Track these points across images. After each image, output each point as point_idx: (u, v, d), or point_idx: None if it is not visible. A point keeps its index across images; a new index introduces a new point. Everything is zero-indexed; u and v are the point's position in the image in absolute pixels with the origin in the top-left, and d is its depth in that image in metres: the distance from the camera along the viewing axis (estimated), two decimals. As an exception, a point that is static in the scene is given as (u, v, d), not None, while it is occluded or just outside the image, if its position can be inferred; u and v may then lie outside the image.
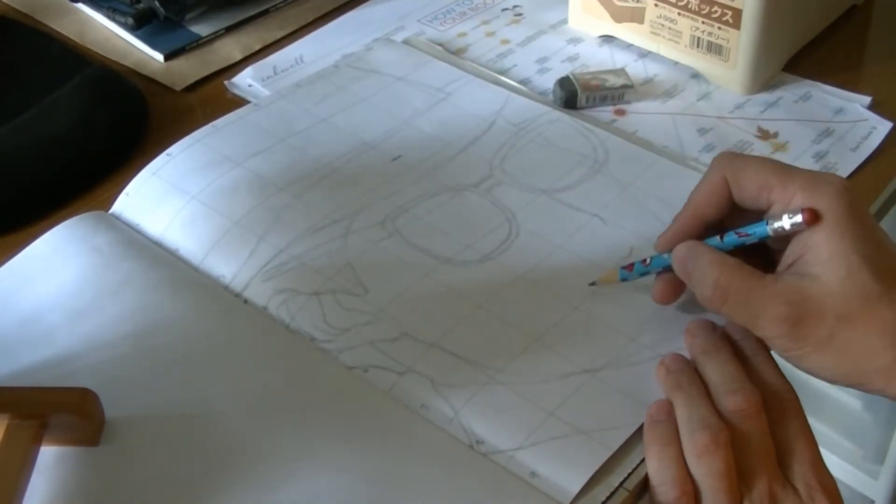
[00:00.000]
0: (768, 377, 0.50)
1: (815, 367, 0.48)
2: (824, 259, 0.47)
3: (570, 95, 0.68)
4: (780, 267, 0.50)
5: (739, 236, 0.50)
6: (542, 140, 0.65)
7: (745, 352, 0.51)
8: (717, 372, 0.49)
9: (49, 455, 0.48)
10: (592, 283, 0.55)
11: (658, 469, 0.47)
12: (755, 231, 0.50)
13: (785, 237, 0.49)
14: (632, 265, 0.54)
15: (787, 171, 0.50)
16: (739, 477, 0.46)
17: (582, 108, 0.68)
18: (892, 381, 0.47)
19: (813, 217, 0.47)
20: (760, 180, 0.50)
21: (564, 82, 0.68)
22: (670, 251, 0.52)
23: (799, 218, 0.48)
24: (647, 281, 0.55)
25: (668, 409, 0.48)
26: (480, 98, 0.68)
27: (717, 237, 0.51)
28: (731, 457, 0.46)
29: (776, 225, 0.49)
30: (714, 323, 0.52)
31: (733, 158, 0.52)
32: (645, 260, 0.54)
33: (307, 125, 0.66)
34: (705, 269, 0.50)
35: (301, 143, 0.65)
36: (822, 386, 1.22)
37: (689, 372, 0.50)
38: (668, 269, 0.53)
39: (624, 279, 0.55)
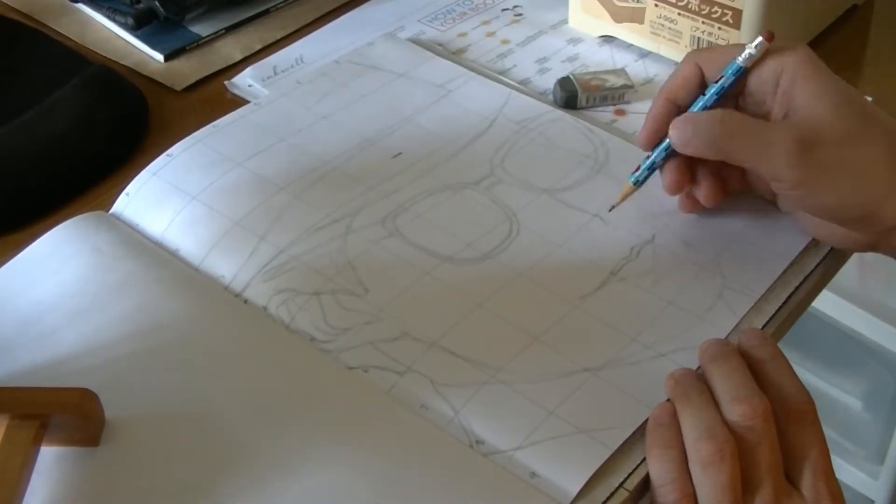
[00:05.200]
0: (784, 383, 0.49)
1: (828, 197, 0.52)
2: (813, 102, 0.52)
3: (570, 96, 0.68)
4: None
5: (717, 81, 0.55)
6: (543, 139, 0.65)
7: (761, 356, 0.50)
8: (724, 380, 0.48)
9: (49, 455, 0.48)
10: (611, 209, 0.59)
11: (659, 471, 0.47)
12: (728, 71, 0.55)
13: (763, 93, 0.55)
14: (637, 167, 0.58)
15: None
16: (744, 486, 0.46)
17: (582, 108, 0.68)
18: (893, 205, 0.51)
19: (770, 35, 0.53)
20: (730, 56, 0.55)
21: (564, 82, 0.68)
22: (656, 144, 0.57)
23: (759, 38, 0.53)
24: (645, 278, 0.55)
25: (672, 413, 0.48)
26: (481, 95, 0.68)
27: (700, 96, 0.56)
28: (737, 468, 0.45)
29: (744, 54, 0.54)
30: (726, 340, 0.52)
31: (703, 48, 0.58)
32: (648, 155, 0.57)
33: (308, 123, 0.66)
34: (709, 119, 0.54)
35: (301, 141, 0.65)
36: (823, 386, 1.22)
37: (698, 384, 0.49)
38: (669, 156, 0.57)
39: (637, 182, 0.58)
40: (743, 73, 0.55)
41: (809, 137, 0.51)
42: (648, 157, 0.57)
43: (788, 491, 0.46)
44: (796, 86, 0.53)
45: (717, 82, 0.55)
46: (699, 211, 0.59)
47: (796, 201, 0.54)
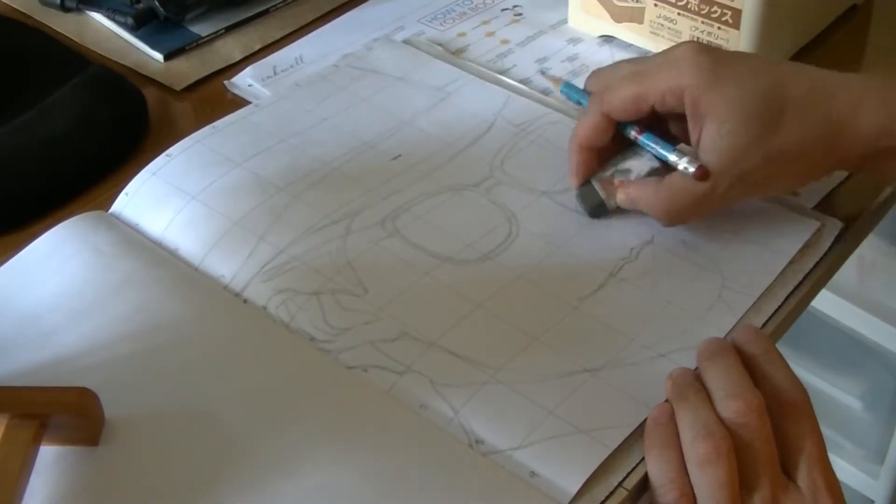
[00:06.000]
0: (778, 377, 0.49)
1: (788, 187, 0.60)
2: (719, 119, 0.53)
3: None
4: (693, 144, 0.55)
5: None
6: (543, 141, 0.65)
7: (754, 351, 0.50)
8: (718, 377, 0.49)
9: (49, 455, 0.48)
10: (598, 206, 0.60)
11: (659, 471, 0.47)
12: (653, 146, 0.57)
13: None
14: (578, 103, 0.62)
15: (647, 77, 0.56)
16: (742, 482, 0.46)
17: None
18: (842, 149, 0.54)
19: (704, 173, 0.54)
20: (632, 100, 0.56)
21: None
22: (584, 181, 0.59)
23: (691, 170, 0.54)
24: (645, 278, 0.55)
25: (671, 412, 0.48)
26: (481, 98, 0.68)
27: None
28: (734, 465, 0.46)
29: (680, 168, 0.55)
30: (722, 338, 0.52)
31: (604, 94, 0.57)
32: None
33: (307, 125, 0.66)
34: (651, 208, 0.57)
35: (301, 143, 0.65)
36: (823, 386, 1.22)
37: (695, 383, 0.49)
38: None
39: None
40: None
41: (739, 172, 0.54)
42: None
43: (785, 485, 0.46)
44: (700, 105, 0.54)
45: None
46: None
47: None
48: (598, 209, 0.59)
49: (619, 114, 0.57)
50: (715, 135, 0.53)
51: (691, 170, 0.54)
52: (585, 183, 0.59)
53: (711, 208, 0.56)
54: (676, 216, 0.56)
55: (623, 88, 0.56)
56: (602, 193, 0.59)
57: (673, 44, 0.70)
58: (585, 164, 0.59)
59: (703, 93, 0.53)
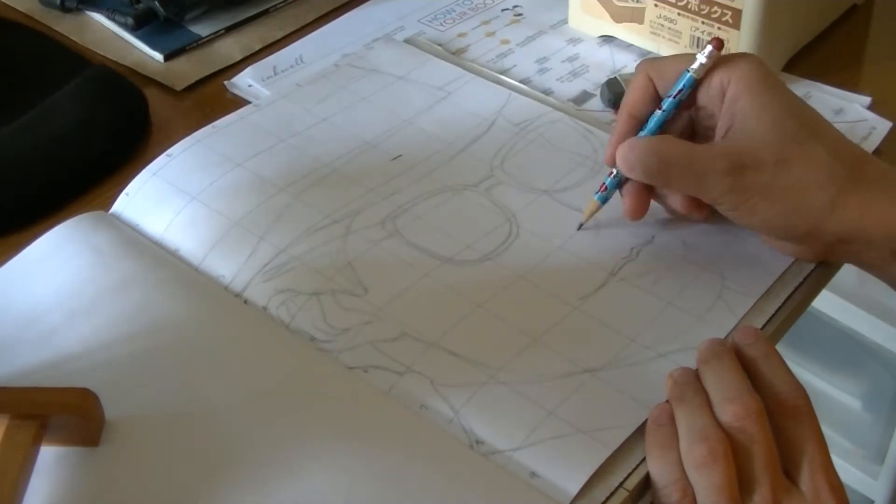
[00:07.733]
0: (778, 379, 0.49)
1: (767, 217, 0.53)
2: (751, 116, 0.53)
3: (618, 97, 0.67)
4: (715, 141, 0.55)
5: (672, 97, 0.55)
6: (543, 141, 0.65)
7: (754, 354, 0.50)
8: (716, 380, 0.48)
9: (49, 455, 0.48)
10: (580, 227, 0.59)
11: (661, 473, 0.47)
12: (681, 84, 0.55)
13: (712, 111, 0.55)
14: (602, 185, 0.57)
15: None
16: (742, 486, 0.46)
17: None
18: (836, 214, 0.52)
19: (719, 43, 0.54)
20: (679, 68, 0.55)
21: (612, 84, 0.68)
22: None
23: (709, 47, 0.54)
24: (645, 278, 0.55)
25: (671, 413, 0.48)
26: (481, 97, 0.68)
27: (654, 114, 0.56)
28: (732, 468, 0.45)
29: (695, 65, 0.54)
30: (721, 339, 0.52)
31: (653, 59, 0.58)
32: (610, 173, 0.57)
33: (308, 125, 0.66)
34: (646, 149, 0.54)
35: (301, 142, 0.65)
36: (823, 386, 1.22)
37: (694, 384, 0.49)
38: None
39: (603, 200, 0.58)
40: (694, 84, 0.55)
41: (743, 161, 0.52)
42: (611, 173, 0.57)
43: (787, 487, 0.46)
44: (738, 101, 0.53)
45: (671, 97, 0.55)
46: (693, 219, 0.58)
47: (737, 220, 0.55)
48: (619, 101, 0.61)
49: (663, 78, 0.56)
50: (740, 120, 0.53)
51: (709, 47, 0.54)
52: (612, 78, 0.67)
53: (697, 181, 0.53)
54: (663, 165, 0.53)
55: (674, 56, 0.57)
56: (625, 87, 0.62)
57: (673, 44, 0.71)
58: (625, 135, 0.57)
59: (751, 86, 0.53)
